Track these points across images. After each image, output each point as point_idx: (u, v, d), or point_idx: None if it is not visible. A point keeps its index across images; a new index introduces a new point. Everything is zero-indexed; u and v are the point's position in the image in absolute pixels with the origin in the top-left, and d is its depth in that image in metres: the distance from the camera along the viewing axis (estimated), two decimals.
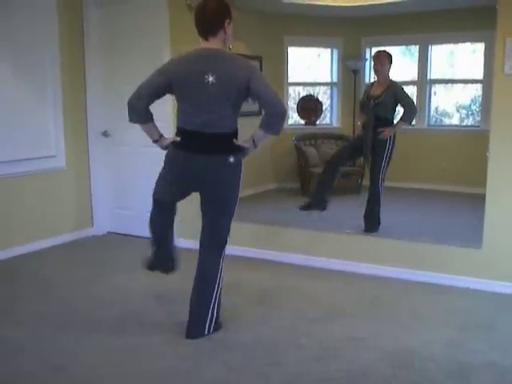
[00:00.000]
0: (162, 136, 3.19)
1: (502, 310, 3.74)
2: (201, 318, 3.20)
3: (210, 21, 2.99)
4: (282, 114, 2.98)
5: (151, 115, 3.11)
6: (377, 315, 3.65)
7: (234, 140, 3.04)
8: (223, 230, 3.21)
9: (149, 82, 3.05)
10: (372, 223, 5.08)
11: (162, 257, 3.49)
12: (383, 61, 5.12)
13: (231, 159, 3.02)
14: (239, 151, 3.09)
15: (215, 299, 3.20)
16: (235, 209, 3.19)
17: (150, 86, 3.04)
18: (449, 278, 4.17)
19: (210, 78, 2.91)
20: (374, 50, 7.88)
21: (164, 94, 3.10)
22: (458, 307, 3.79)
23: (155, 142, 3.20)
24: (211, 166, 3.03)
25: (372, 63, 5.25)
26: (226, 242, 3.24)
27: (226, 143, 3.03)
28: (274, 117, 2.98)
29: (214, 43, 3.01)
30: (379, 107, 5.09)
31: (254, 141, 3.10)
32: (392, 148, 5.10)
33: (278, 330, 3.41)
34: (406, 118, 5.14)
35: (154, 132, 3.17)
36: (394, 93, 5.09)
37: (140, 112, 3.06)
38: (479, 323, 3.52)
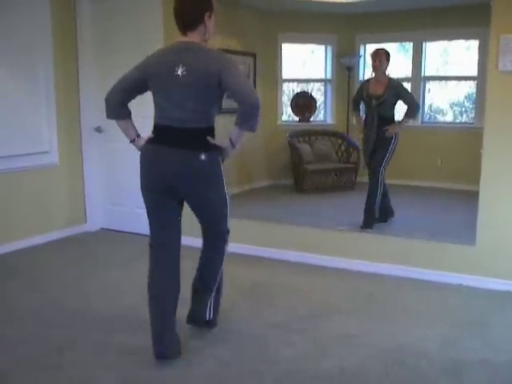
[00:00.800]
0: (139, 136, 3.04)
1: (496, 307, 3.75)
2: (202, 302, 3.20)
3: (189, 13, 2.85)
4: (255, 106, 2.73)
5: (128, 112, 2.99)
6: (370, 312, 3.65)
7: (208, 137, 2.86)
8: (217, 230, 3.16)
9: (124, 77, 2.95)
10: (368, 219, 5.09)
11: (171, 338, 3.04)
12: (382, 58, 5.10)
13: (202, 156, 2.82)
14: (214, 150, 2.89)
15: (216, 288, 3.21)
16: (225, 210, 3.08)
17: (124, 81, 2.94)
18: (442, 274, 4.18)
19: (180, 71, 2.78)
20: (369, 46, 7.93)
21: (143, 90, 2.97)
22: (451, 304, 3.79)
23: (132, 142, 3.05)
24: (182, 161, 2.85)
25: (370, 61, 5.21)
26: (225, 240, 3.19)
27: (198, 139, 2.86)
28: (247, 111, 2.75)
29: (191, 37, 2.87)
30: (382, 106, 5.10)
31: (230, 140, 2.91)
32: (396, 144, 5.14)
33: (270, 327, 3.41)
34: (410, 114, 5.17)
35: (131, 131, 3.02)
36: (396, 90, 5.12)
37: (114, 107, 2.95)
38: (472, 320, 3.52)
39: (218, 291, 3.27)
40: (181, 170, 2.87)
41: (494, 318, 3.56)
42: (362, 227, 4.95)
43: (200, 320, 3.23)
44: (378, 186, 5.15)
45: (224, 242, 3.20)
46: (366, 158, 5.33)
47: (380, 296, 3.95)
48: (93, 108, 5.59)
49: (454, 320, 3.52)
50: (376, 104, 5.09)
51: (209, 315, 3.23)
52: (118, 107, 2.95)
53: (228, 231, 3.19)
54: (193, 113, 2.84)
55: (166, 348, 2.94)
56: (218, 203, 3.05)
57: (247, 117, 2.78)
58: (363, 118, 5.35)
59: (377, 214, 5.15)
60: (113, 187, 5.74)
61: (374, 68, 5.18)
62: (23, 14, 4.98)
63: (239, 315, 3.57)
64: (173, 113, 2.86)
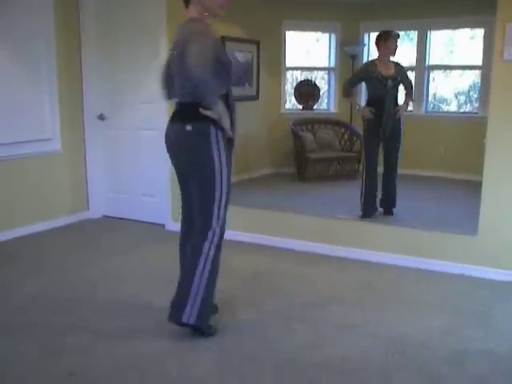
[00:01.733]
0: None
1: (497, 297, 3.74)
2: (179, 303, 3.01)
3: None
4: (194, 79, 2.72)
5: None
6: (371, 301, 3.65)
7: (201, 109, 2.81)
8: (202, 212, 3.00)
9: None
10: (391, 206, 5.24)
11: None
12: (396, 41, 5.10)
13: (188, 127, 2.88)
14: (202, 121, 2.86)
15: (196, 288, 2.95)
16: (212, 195, 2.94)
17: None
18: (445, 264, 4.17)
19: (175, 51, 2.94)
20: (373, 35, 7.85)
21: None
22: (453, 294, 3.79)
23: None
24: (175, 133, 2.99)
25: (387, 42, 5.04)
26: (210, 228, 2.98)
27: (187, 111, 2.93)
28: (192, 82, 2.76)
29: (189, 12, 2.93)
30: (397, 88, 5.12)
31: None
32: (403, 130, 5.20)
33: (271, 315, 3.41)
34: (411, 95, 5.28)
35: None
36: (402, 72, 5.16)
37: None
38: (475, 310, 3.52)
39: (204, 298, 2.98)
40: (174, 142, 3.02)
41: (496, 308, 3.56)
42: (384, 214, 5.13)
43: (175, 323, 3.04)
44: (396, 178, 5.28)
45: (203, 240, 2.99)
46: (378, 142, 5.17)
47: (381, 285, 3.94)
48: (96, 95, 5.58)
49: (456, 310, 3.52)
50: (392, 85, 5.05)
51: (188, 319, 2.97)
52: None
53: (210, 228, 2.99)
54: (181, 88, 2.93)
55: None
56: (204, 183, 2.95)
57: (194, 88, 2.77)
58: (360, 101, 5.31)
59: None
60: (115, 175, 5.74)
61: (388, 50, 5.06)
62: (26, 4, 4.96)
63: (240, 303, 3.57)
64: (175, 90, 3.00)
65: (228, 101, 2.93)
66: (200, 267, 2.96)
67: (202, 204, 2.99)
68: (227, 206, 3.03)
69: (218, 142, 2.90)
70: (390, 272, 4.21)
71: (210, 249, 2.98)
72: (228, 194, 3.00)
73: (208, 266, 2.97)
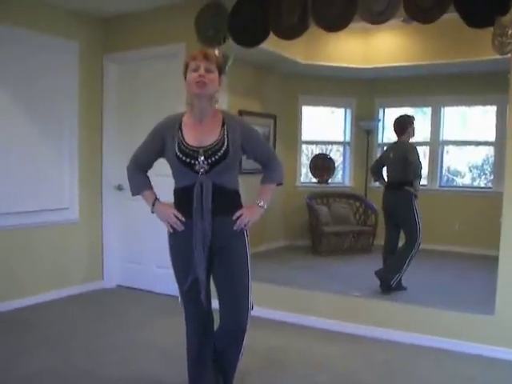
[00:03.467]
0: None
1: None
2: None
3: None
4: None
5: None
6: (385, 382, 3.57)
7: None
8: None
9: None
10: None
11: None
12: None
13: None
14: None
15: None
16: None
17: None
18: (460, 344, 4.09)
19: None
20: (388, 110, 8.04)
21: None
22: (469, 375, 3.69)
23: None
24: None
25: (413, 128, 5.34)
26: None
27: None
28: None
29: None
30: None
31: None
32: None
33: None
34: None
35: None
36: None
37: None
38: None
39: None
40: None
41: None
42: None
43: None
44: None
45: None
46: None
47: (396, 365, 3.87)
48: (114, 166, 5.69)
49: None
50: None
51: None
52: None
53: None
54: None
55: None
56: None
57: None
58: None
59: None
60: (131, 245, 5.78)
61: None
62: (52, 71, 5.17)
63: (252, 382, 3.50)
64: None
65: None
66: None
67: None
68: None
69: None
70: (406, 351, 4.13)
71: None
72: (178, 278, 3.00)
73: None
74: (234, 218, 2.82)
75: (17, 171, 4.93)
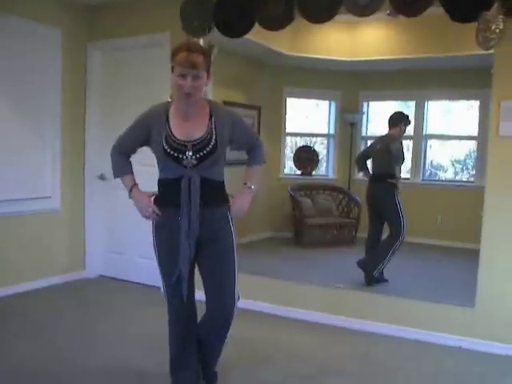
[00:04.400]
0: None
1: (495, 371, 3.69)
2: None
3: None
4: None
5: None
6: (367, 374, 3.60)
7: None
8: None
9: None
10: None
11: None
12: None
13: None
14: None
15: None
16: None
17: None
18: (441, 336, 4.14)
19: None
20: (372, 103, 8.06)
21: None
22: (449, 367, 3.74)
23: None
24: None
25: (405, 127, 5.41)
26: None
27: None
28: None
29: None
30: None
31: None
32: None
33: None
34: None
35: None
36: None
37: None
38: None
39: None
40: None
41: (492, 383, 3.51)
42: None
43: None
44: None
45: None
46: None
47: (377, 357, 3.90)
48: (97, 155, 5.65)
49: None
50: None
51: None
52: None
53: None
54: None
55: None
56: None
57: None
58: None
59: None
60: (113, 235, 5.75)
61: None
62: (35, 60, 5.11)
63: (234, 373, 3.51)
64: None
65: None
66: None
67: None
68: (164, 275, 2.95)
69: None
70: (387, 343, 4.16)
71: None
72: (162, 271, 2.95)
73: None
74: (230, 207, 2.87)
75: None
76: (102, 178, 5.66)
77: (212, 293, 2.87)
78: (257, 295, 4.83)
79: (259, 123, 7.39)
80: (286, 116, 8.07)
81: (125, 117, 5.45)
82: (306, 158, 8.22)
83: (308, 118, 8.59)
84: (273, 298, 4.80)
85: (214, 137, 2.74)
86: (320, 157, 8.35)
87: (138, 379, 3.36)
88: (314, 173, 8.28)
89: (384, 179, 5.22)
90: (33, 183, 5.20)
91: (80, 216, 5.73)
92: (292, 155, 8.27)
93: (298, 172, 8.24)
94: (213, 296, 2.87)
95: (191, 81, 2.61)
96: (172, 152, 2.71)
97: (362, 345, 4.11)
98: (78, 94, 5.60)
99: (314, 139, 8.51)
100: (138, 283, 5.51)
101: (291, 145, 8.38)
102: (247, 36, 4.60)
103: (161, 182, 2.87)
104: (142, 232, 5.45)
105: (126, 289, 5.42)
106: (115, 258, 5.76)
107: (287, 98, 7.99)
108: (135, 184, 2.94)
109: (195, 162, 2.71)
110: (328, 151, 8.40)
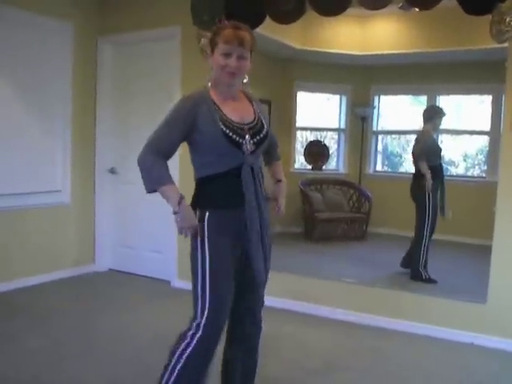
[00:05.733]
0: None
1: (506, 368, 3.66)
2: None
3: None
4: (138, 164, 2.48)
5: None
6: (376, 368, 3.58)
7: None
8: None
9: None
10: None
11: None
12: None
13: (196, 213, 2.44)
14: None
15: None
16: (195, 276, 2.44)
17: None
18: (453, 332, 4.10)
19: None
20: (383, 98, 8.01)
21: None
22: (461, 363, 3.71)
23: None
24: None
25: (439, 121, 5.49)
26: (194, 318, 2.43)
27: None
28: None
29: None
30: None
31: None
32: None
33: (274, 381, 3.33)
34: None
35: None
36: None
37: None
38: (482, 381, 3.44)
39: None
40: None
41: (504, 380, 3.48)
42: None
43: None
44: None
45: (182, 339, 2.43)
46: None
47: (387, 352, 3.87)
48: (108, 149, 5.65)
49: (463, 380, 3.44)
50: None
51: None
52: None
53: (194, 319, 2.42)
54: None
55: None
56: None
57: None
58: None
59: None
60: (123, 229, 5.76)
61: None
62: (46, 53, 5.12)
63: None
64: None
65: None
66: (174, 359, 2.46)
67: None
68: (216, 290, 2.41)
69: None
70: (398, 338, 4.14)
71: (189, 341, 2.41)
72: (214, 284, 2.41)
73: (181, 362, 2.43)
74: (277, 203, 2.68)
75: (8, 153, 4.89)
76: (112, 171, 5.66)
77: (250, 308, 2.84)
78: (265, 289, 4.80)
79: (270, 117, 7.34)
80: (297, 110, 8.03)
81: (135, 110, 5.55)
82: (316, 152, 8.18)
83: (319, 112, 8.54)
84: (282, 292, 4.77)
85: (262, 122, 2.51)
86: (331, 151, 8.31)
87: (145, 372, 3.35)
88: (324, 167, 8.24)
89: (415, 175, 5.37)
90: (43, 177, 5.21)
91: (90, 210, 5.74)
92: (303, 150, 8.24)
93: (309, 166, 8.20)
94: (250, 311, 2.85)
95: (236, 60, 2.36)
96: (232, 135, 2.34)
97: (372, 340, 4.08)
98: (88, 87, 5.59)
99: (324, 133, 8.47)
100: (148, 277, 5.51)
101: (302, 139, 8.35)
102: (258, 30, 4.54)
103: (208, 181, 2.41)
104: (152, 226, 5.51)
105: (135, 283, 5.42)
106: (125, 251, 5.76)
107: (298, 92, 7.95)
108: (182, 196, 2.37)
109: (254, 148, 2.40)
110: (339, 146, 8.36)
